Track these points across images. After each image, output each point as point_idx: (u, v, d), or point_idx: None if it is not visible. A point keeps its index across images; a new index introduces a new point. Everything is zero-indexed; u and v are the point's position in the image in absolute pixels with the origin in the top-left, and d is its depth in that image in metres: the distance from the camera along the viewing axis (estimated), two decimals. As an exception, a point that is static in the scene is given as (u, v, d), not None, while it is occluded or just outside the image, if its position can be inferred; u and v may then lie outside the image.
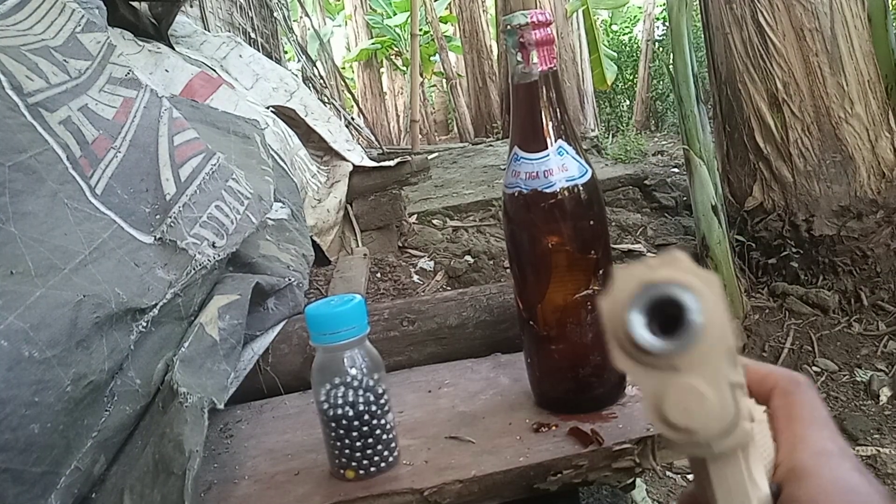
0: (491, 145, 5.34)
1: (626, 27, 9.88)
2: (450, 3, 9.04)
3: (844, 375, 2.00)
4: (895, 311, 2.19)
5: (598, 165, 3.70)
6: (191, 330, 0.65)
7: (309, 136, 1.80)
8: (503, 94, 6.57)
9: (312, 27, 7.82)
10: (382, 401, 0.56)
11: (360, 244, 1.80)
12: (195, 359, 0.62)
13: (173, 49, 1.55)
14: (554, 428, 0.59)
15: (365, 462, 0.55)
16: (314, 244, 1.21)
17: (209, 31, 2.24)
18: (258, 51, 2.32)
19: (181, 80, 1.37)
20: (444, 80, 9.85)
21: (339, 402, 0.54)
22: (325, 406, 0.54)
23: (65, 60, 0.68)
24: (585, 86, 5.81)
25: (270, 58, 2.81)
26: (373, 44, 10.47)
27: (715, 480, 0.26)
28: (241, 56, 1.82)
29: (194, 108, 1.08)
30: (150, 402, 0.60)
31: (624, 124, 5.56)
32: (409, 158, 1.95)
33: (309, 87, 2.97)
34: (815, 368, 2.04)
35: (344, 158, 1.82)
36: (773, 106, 2.36)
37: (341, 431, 0.54)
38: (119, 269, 0.60)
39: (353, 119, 5.17)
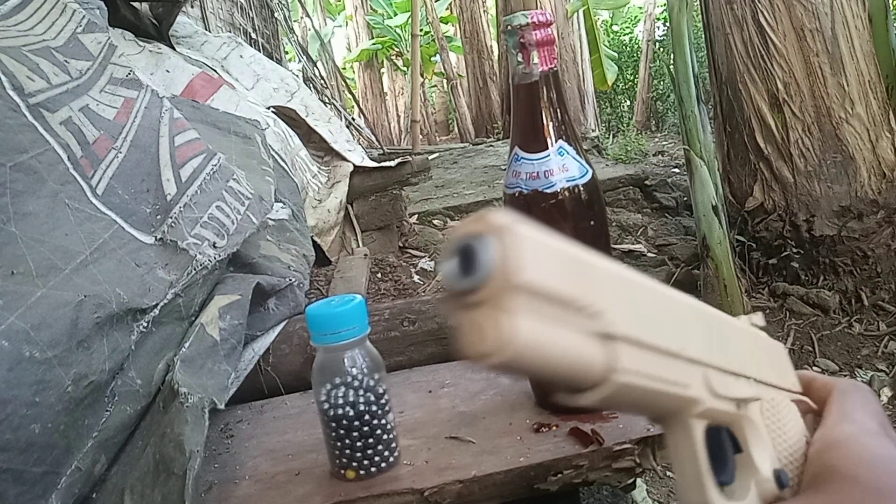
0: (491, 145, 5.34)
1: (627, 27, 9.88)
2: (450, 4, 9.04)
3: (845, 376, 2.00)
4: (895, 312, 2.20)
5: (598, 166, 3.69)
6: (191, 330, 0.65)
7: (310, 137, 1.81)
8: (504, 94, 6.57)
9: (313, 27, 7.83)
10: (383, 401, 0.56)
11: (360, 244, 1.80)
12: (196, 359, 0.62)
13: (174, 49, 1.55)
14: (554, 428, 0.59)
15: (365, 462, 0.55)
16: (315, 244, 1.21)
17: (210, 31, 2.24)
18: (259, 51, 2.33)
19: (182, 81, 1.38)
20: (445, 81, 9.86)
21: (340, 402, 0.54)
22: (326, 406, 0.54)
23: (66, 61, 0.68)
24: (586, 86, 5.81)
25: (271, 58, 2.81)
26: (373, 44, 10.47)
27: (671, 452, 0.28)
28: (241, 56, 1.82)
29: (195, 108, 1.08)
30: (151, 402, 0.60)
31: (624, 124, 5.56)
32: (410, 159, 1.95)
33: (310, 88, 2.97)
34: (815, 369, 2.03)
35: (345, 159, 1.82)
36: (774, 106, 2.36)
37: (342, 431, 0.54)
38: (120, 269, 0.60)
39: (353, 119, 5.17)
